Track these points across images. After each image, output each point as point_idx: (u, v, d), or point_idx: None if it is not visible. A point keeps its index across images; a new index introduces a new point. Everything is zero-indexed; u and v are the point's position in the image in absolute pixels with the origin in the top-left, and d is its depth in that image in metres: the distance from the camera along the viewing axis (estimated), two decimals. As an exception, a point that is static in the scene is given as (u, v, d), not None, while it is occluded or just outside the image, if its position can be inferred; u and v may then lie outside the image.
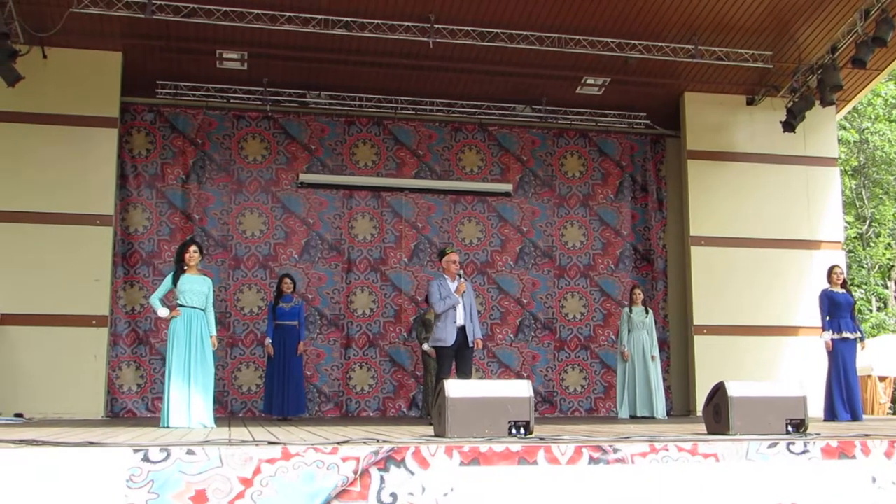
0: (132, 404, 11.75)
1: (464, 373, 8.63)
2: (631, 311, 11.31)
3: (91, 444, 4.00)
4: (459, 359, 8.68)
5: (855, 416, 9.28)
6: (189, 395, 7.66)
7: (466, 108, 13.19)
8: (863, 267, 25.07)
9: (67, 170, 11.46)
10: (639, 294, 11.42)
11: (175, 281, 7.95)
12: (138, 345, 11.95)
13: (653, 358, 11.21)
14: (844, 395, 9.37)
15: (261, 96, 12.56)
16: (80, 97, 11.60)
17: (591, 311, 13.22)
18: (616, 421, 10.31)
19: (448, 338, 8.57)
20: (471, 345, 8.60)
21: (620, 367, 11.30)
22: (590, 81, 12.86)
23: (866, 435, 4.92)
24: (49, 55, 11.50)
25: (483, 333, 8.93)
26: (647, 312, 11.36)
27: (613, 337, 12.84)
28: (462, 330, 8.60)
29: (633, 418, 10.80)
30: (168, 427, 7.42)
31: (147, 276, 12.06)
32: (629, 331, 11.26)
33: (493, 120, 13.38)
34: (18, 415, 10.12)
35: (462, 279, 8.71)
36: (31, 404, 10.61)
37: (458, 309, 8.63)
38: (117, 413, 11.62)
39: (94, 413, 11.10)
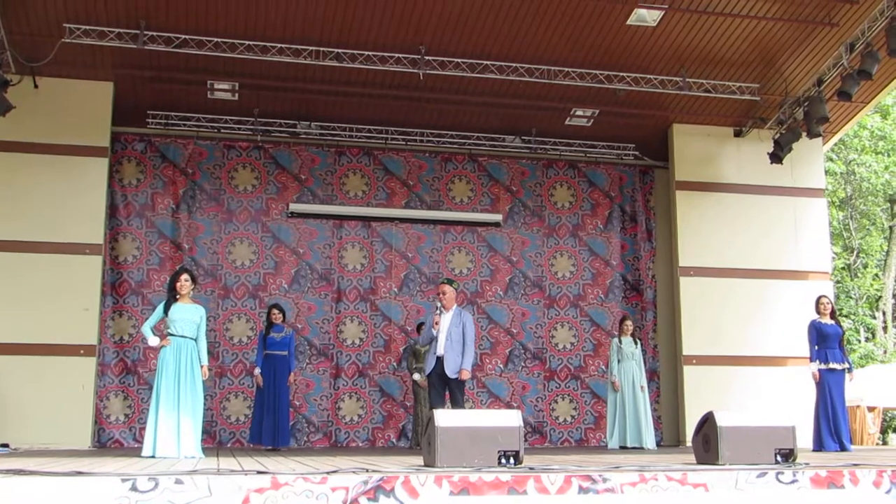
0: (119, 434, 11.67)
1: (452, 405, 8.64)
2: (621, 341, 11.32)
3: (79, 473, 3.98)
4: (449, 391, 8.73)
5: (842, 446, 9.30)
6: (178, 425, 7.62)
7: (456, 138, 13.28)
8: (851, 297, 25.19)
9: (57, 199, 11.46)
10: (629, 325, 11.42)
11: (166, 310, 7.94)
12: (126, 374, 11.89)
13: (642, 388, 11.21)
14: (832, 426, 9.40)
15: (251, 126, 12.63)
16: (71, 127, 11.63)
17: (581, 341, 13.24)
18: (605, 451, 10.30)
19: (427, 366, 8.83)
20: (450, 375, 8.58)
21: (611, 398, 11.28)
22: (579, 113, 12.97)
23: (855, 465, 4.94)
24: (40, 85, 11.54)
25: (473, 364, 8.85)
26: (636, 343, 11.37)
27: (604, 367, 12.84)
28: (441, 360, 8.63)
29: (623, 449, 10.78)
30: (154, 457, 7.37)
31: (136, 306, 12.03)
32: (619, 361, 11.26)
33: (482, 151, 13.46)
34: (4, 445, 10.03)
35: (439, 311, 8.75)
36: (17, 434, 10.51)
37: (440, 339, 8.69)
38: (104, 443, 11.54)
39: (82, 443, 11.02)
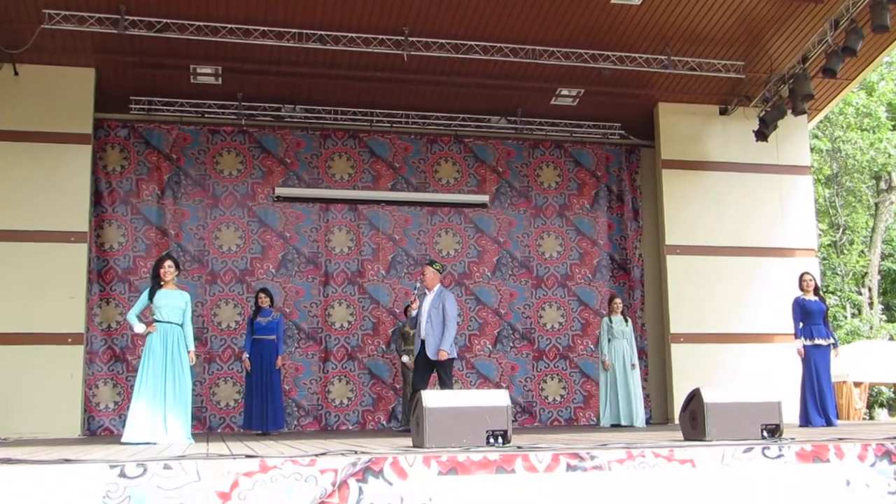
0: (109, 422, 11.66)
1: (440, 386, 8.70)
2: (611, 320, 11.37)
3: (67, 461, 3.98)
4: (436, 373, 8.81)
5: (828, 421, 9.38)
6: (164, 411, 7.62)
7: (442, 120, 13.25)
8: (837, 274, 25.34)
9: (41, 187, 11.39)
10: (618, 303, 11.48)
11: (151, 296, 7.93)
12: (115, 362, 11.87)
13: (633, 366, 11.27)
14: (818, 401, 9.48)
15: (235, 111, 12.56)
16: (53, 114, 11.55)
17: (570, 320, 13.28)
18: (595, 429, 10.36)
19: (415, 348, 8.97)
20: (431, 357, 8.66)
21: (602, 377, 11.32)
22: (564, 93, 12.96)
23: (840, 439, 4.99)
24: (21, 72, 11.45)
25: (451, 345, 8.85)
26: (626, 321, 11.43)
27: (592, 346, 12.91)
28: (424, 342, 8.74)
29: (615, 427, 10.84)
30: (136, 443, 7.36)
31: (123, 293, 12.00)
32: (609, 340, 11.30)
33: (468, 132, 13.44)
34: (-7, 434, 10.03)
35: (417, 293, 8.93)
36: (6, 424, 10.50)
37: (421, 321, 8.81)
38: (94, 431, 11.53)
39: (71, 432, 11.01)
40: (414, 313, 9.04)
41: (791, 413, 9.00)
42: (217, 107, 12.59)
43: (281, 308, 12.05)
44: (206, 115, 12.66)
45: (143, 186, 12.37)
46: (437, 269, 9.09)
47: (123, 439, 7.55)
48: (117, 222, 12.21)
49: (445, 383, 8.67)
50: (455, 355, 9.04)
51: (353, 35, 11.09)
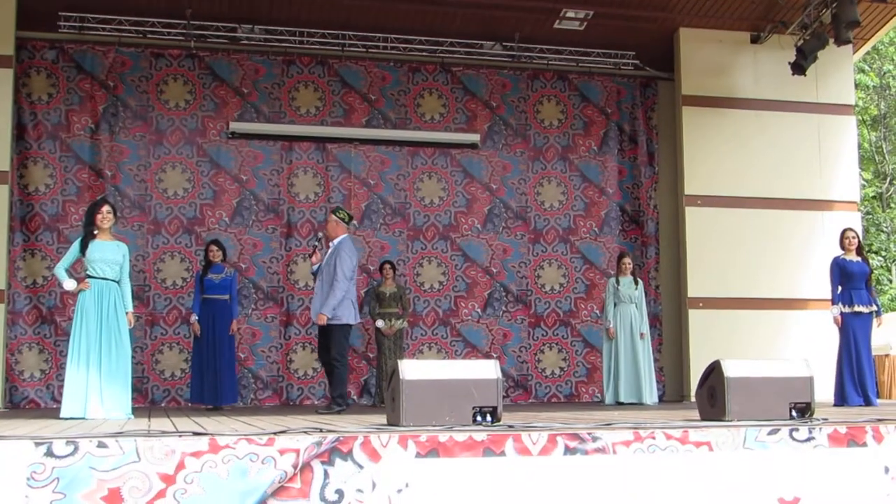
0: (35, 393, 11.68)
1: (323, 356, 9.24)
2: (618, 281, 11.42)
3: (-16, 436, 3.99)
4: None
5: (867, 400, 9.49)
6: (100, 382, 7.65)
7: (426, 45, 13.14)
8: (882, 231, 25.47)
9: (-47, 117, 11.31)
10: (628, 263, 11.53)
11: (83, 248, 7.92)
12: (41, 324, 11.86)
13: (642, 335, 11.35)
14: (855, 377, 9.57)
15: (183, 31, 12.42)
16: (-33, 31, 11.43)
17: (572, 281, 13.33)
18: (598, 407, 10.46)
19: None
20: (312, 318, 9.03)
21: (606, 347, 11.43)
22: (570, 14, 12.85)
23: (879, 420, 5.05)
24: (-71, -19, 11.30)
25: (333, 308, 8.99)
26: (636, 283, 11.48)
27: (598, 311, 12.97)
28: None
29: (620, 405, 10.95)
30: (72, 418, 7.40)
31: (51, 244, 11.95)
32: (615, 304, 11.38)
33: (456, 59, 13.35)
34: None
35: (319, 245, 9.29)
36: (-86, 394, 10.53)
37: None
38: (18, 404, 11.56)
39: (-10, 404, 11.06)
40: (314, 268, 9.20)
41: (825, 390, 9.13)
42: (161, 26, 12.44)
43: (235, 263, 12.04)
44: (148, 36, 12.51)
45: (75, 119, 12.26)
46: (341, 218, 9.30)
47: (63, 414, 7.60)
48: (44, 160, 12.12)
49: (327, 354, 9.01)
50: (350, 321, 9.11)
51: (323, -58, 10.97)
